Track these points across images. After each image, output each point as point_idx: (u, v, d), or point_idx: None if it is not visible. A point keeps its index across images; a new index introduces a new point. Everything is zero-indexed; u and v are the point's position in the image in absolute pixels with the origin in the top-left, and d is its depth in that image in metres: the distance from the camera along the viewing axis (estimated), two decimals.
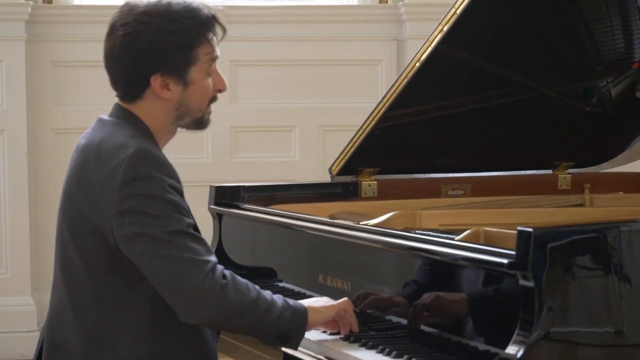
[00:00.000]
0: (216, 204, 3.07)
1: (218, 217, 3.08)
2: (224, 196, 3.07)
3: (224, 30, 2.21)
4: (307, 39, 5.34)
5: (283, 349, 2.28)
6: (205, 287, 2.05)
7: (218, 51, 2.22)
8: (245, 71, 5.33)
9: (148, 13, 2.14)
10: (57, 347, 2.20)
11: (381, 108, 3.00)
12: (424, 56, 2.86)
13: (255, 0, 5.49)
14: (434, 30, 2.84)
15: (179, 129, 2.28)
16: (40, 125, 5.13)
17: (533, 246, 1.89)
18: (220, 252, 3.04)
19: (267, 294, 2.16)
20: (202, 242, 2.12)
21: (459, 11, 2.75)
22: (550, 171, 3.50)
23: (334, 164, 3.21)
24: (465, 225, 2.67)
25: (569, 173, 3.49)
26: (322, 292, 2.56)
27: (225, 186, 3.09)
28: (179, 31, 2.13)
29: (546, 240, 1.91)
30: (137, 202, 2.05)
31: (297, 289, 2.72)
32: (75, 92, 5.14)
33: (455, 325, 2.16)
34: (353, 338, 2.28)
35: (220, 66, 5.69)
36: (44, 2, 5.17)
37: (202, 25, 2.16)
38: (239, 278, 2.14)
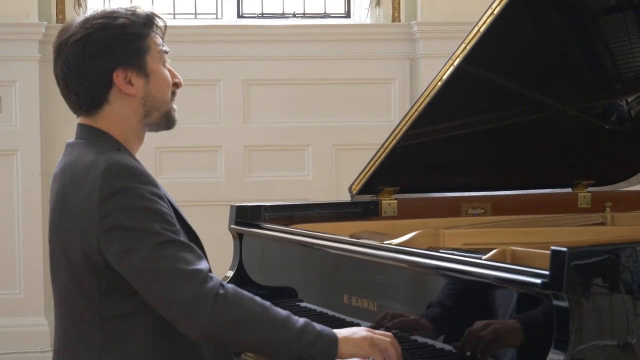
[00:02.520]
0: (237, 223, 3.06)
1: (239, 237, 3.06)
2: (245, 216, 3.06)
3: (165, 25, 2.26)
4: (320, 58, 5.35)
5: None
6: (198, 297, 2.02)
7: (166, 47, 2.26)
8: (258, 90, 5.34)
9: (89, 19, 2.19)
10: None
11: (403, 127, 2.99)
12: (446, 75, 2.85)
13: (267, 20, 5.50)
14: (457, 49, 2.84)
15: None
16: (54, 145, 5.13)
17: (567, 266, 1.87)
18: (241, 272, 3.03)
19: (284, 313, 2.11)
20: (191, 249, 2.08)
21: (482, 30, 2.75)
22: (569, 190, 3.49)
23: (354, 183, 3.20)
24: (490, 245, 2.65)
25: (588, 191, 3.47)
26: (347, 312, 2.55)
27: (246, 206, 3.07)
28: (126, 25, 2.18)
29: (580, 260, 1.89)
30: (118, 217, 2.04)
31: (319, 308, 2.71)
32: None
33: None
34: None
35: (233, 85, 5.72)
36: (57, 22, 5.18)
37: (144, 19, 2.21)
38: (242, 291, 2.09)
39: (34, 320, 5.08)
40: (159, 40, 2.23)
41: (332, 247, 2.64)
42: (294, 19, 5.52)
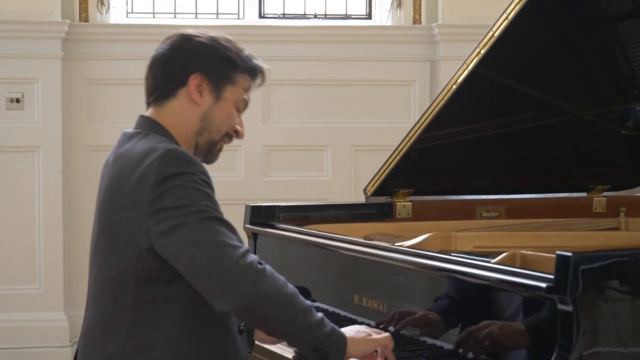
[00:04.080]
0: (252, 223, 3.09)
1: (253, 236, 3.09)
2: (260, 215, 3.08)
3: (263, 84, 2.34)
4: (341, 59, 5.36)
5: None
6: (240, 266, 2.07)
7: (250, 98, 2.33)
8: (278, 90, 5.35)
9: (215, 34, 2.31)
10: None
11: (417, 129, 3.01)
12: (460, 78, 2.87)
13: (288, 20, 5.52)
14: (471, 53, 2.85)
15: None
16: (75, 142, 5.18)
17: (572, 270, 1.88)
18: None
19: (307, 301, 2.17)
20: (233, 229, 2.16)
21: (497, 34, 2.76)
22: (585, 194, 3.49)
23: (368, 184, 3.22)
24: (501, 248, 2.66)
25: (604, 196, 3.47)
26: (357, 312, 2.57)
27: (261, 206, 3.10)
28: (230, 49, 2.28)
29: (585, 265, 1.90)
30: (169, 199, 2.10)
31: (331, 308, 2.73)
32: (110, 109, 5.19)
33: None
34: None
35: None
36: (80, 20, 5.23)
37: (251, 64, 2.29)
38: (276, 273, 2.16)
39: (54, 315, 5.12)
40: (248, 86, 2.31)
41: (344, 248, 2.66)
42: (315, 19, 5.54)
